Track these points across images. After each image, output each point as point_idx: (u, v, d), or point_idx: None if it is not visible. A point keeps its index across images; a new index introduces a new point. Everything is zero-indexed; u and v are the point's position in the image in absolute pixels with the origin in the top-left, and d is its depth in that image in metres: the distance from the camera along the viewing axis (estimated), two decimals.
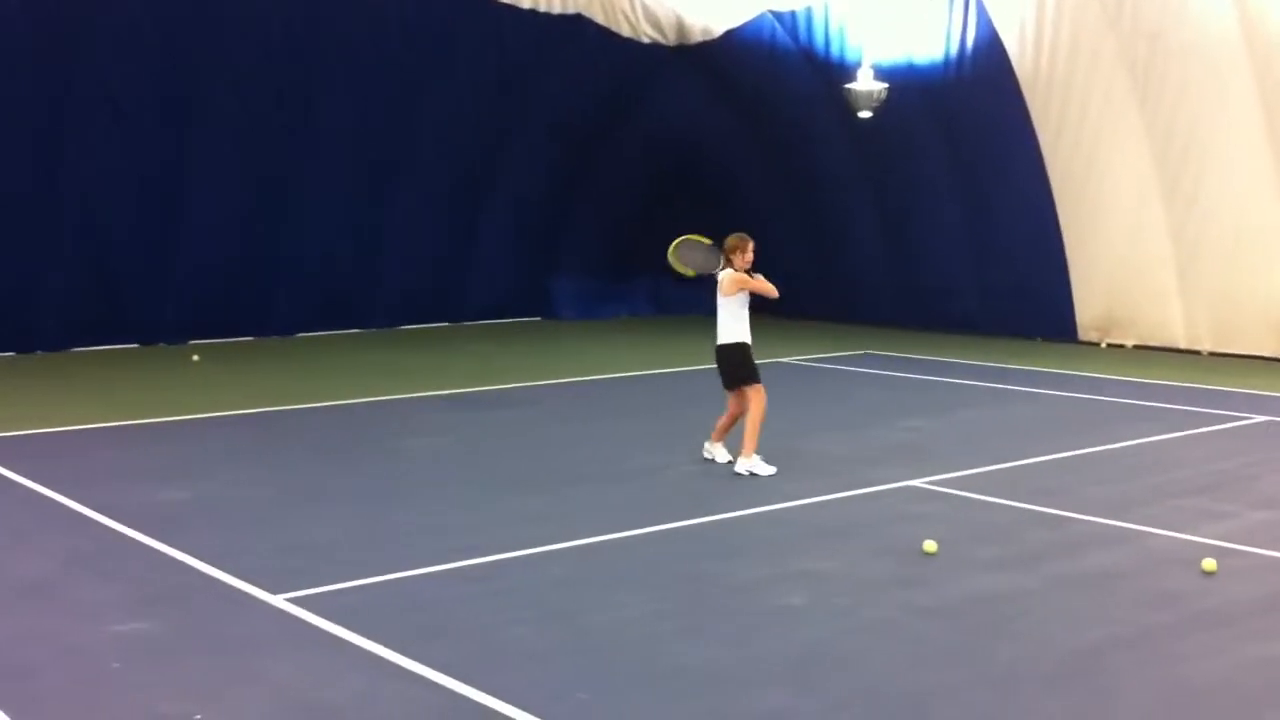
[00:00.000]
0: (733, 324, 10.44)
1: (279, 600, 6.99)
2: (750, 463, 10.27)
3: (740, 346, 10.45)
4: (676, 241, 10.85)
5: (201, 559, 7.77)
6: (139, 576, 7.52)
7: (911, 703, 5.73)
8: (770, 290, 10.40)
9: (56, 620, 6.74)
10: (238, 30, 17.95)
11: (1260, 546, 8.23)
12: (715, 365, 10.70)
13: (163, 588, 7.29)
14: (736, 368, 10.51)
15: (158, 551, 7.99)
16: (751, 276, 10.38)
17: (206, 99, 18.14)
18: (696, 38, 21.74)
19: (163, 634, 6.53)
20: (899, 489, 9.89)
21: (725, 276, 10.38)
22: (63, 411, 13.11)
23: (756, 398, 10.40)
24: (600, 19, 21.07)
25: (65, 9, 16.55)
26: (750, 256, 10.40)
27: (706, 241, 10.79)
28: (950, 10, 18.88)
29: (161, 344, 18.69)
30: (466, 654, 6.23)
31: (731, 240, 10.42)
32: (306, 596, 7.05)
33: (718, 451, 10.71)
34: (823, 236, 22.58)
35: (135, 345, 18.55)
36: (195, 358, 17.32)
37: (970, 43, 18.85)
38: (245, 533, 8.49)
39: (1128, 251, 18.56)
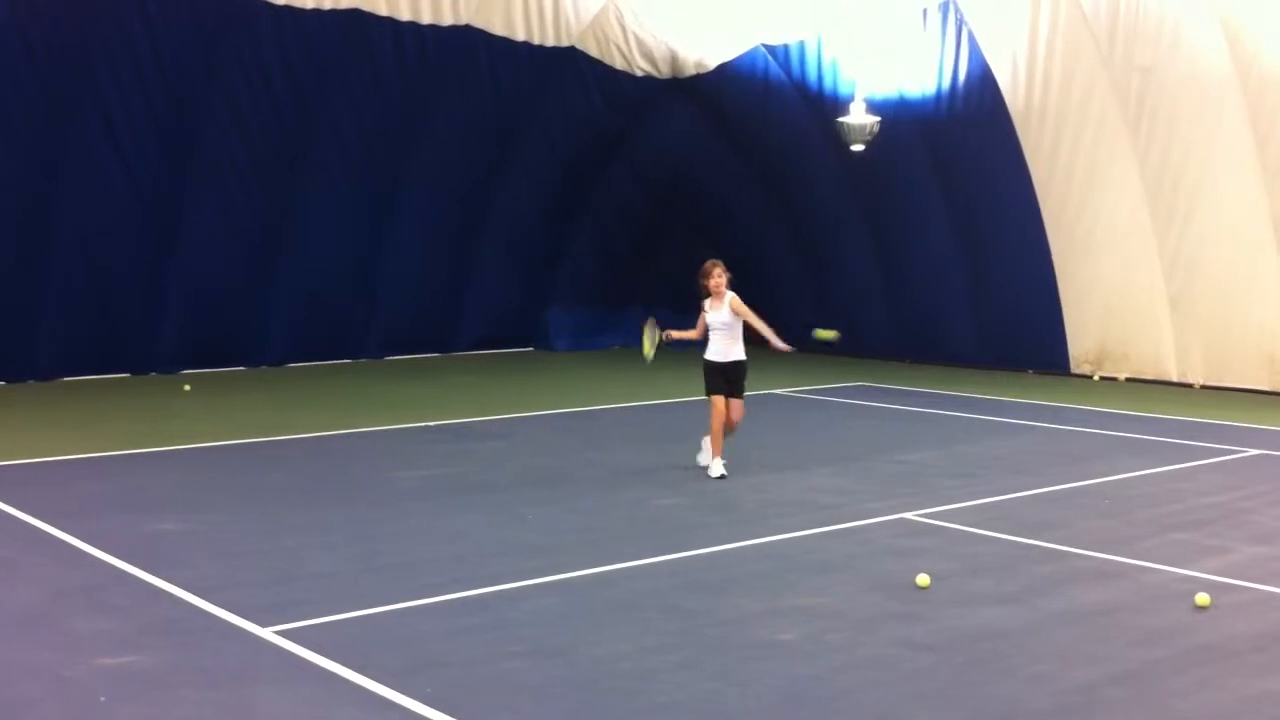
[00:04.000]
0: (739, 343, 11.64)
1: (269, 633, 6.95)
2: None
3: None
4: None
5: (192, 591, 7.72)
6: (129, 609, 7.47)
7: None
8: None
9: (47, 653, 6.68)
10: (236, 65, 18.00)
11: (1254, 581, 8.22)
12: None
13: (153, 620, 7.24)
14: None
15: (148, 583, 7.94)
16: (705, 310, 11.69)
17: (204, 131, 18.18)
18: (690, 71, 21.82)
19: (153, 667, 6.48)
20: (892, 522, 9.87)
21: (733, 302, 11.46)
22: (53, 442, 13.05)
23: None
24: (594, 52, 21.16)
25: (65, 40, 16.60)
26: (708, 281, 11.51)
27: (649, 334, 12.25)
28: (942, 44, 18.98)
29: (153, 374, 18.66)
30: (460, 688, 6.19)
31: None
32: (298, 629, 7.01)
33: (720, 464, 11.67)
34: (817, 268, 22.64)
35: (127, 375, 18.52)
36: (186, 388, 17.29)
37: (962, 77, 18.94)
38: (236, 565, 8.44)
39: (1120, 285, 18.61)
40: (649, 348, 12.25)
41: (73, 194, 17.52)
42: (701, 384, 11.72)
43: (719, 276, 11.48)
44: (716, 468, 11.51)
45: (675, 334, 12.01)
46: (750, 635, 7.06)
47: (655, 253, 23.87)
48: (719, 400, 11.52)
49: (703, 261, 11.73)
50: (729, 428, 11.66)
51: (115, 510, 10.06)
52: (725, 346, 11.54)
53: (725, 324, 11.50)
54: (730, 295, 11.49)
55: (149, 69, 17.38)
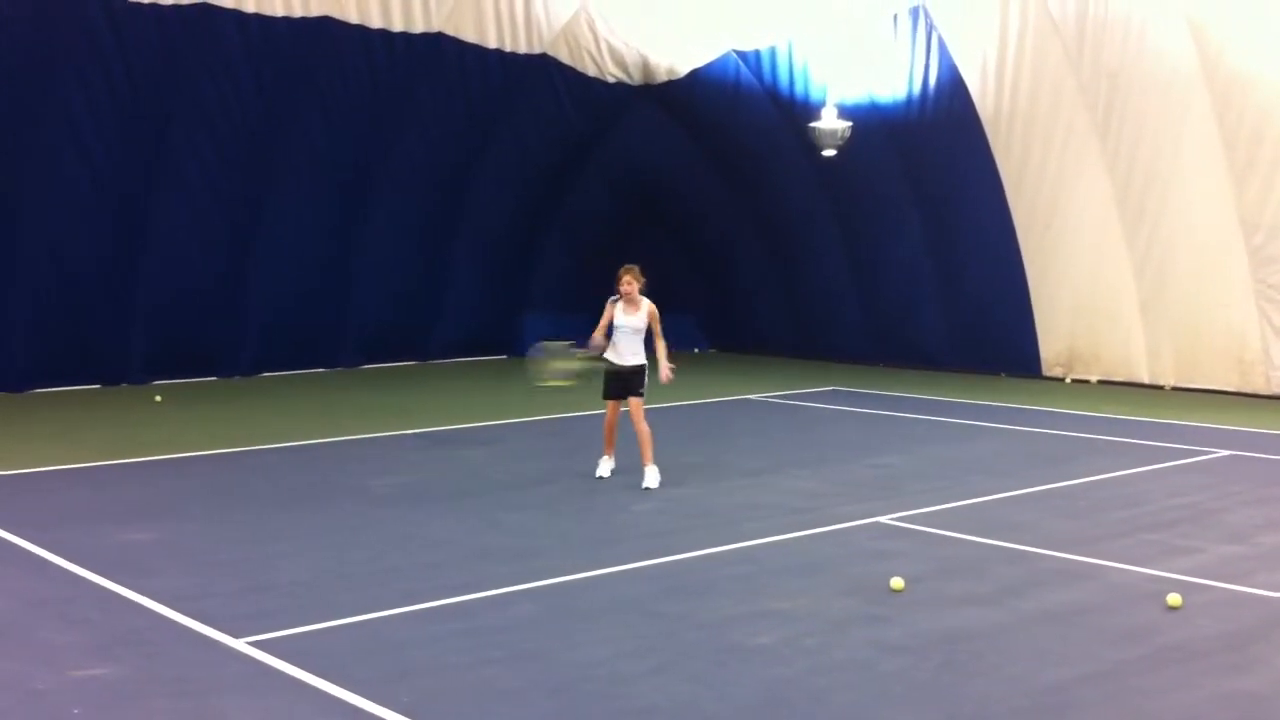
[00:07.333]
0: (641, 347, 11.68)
1: (242, 644, 6.91)
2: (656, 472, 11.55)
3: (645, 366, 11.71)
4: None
5: (164, 602, 7.68)
6: (100, 620, 7.43)
7: None
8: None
9: (18, 665, 6.64)
10: (207, 71, 17.89)
11: (1225, 581, 8.27)
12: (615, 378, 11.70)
13: (124, 631, 7.20)
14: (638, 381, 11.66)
15: (119, 595, 7.89)
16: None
17: (174, 139, 18.06)
18: (662, 77, 21.84)
19: (124, 679, 6.44)
20: (866, 525, 9.89)
21: (650, 310, 11.60)
22: (23, 453, 12.96)
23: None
24: (565, 58, 21.15)
25: (32, 48, 16.46)
26: (620, 285, 11.65)
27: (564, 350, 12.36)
28: (913, 49, 19.06)
29: (125, 385, 18.53)
30: (435, 696, 6.17)
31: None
32: (270, 640, 6.97)
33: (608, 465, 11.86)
34: (789, 273, 22.67)
35: (98, 386, 18.39)
36: (158, 398, 17.19)
37: (933, 82, 19.02)
38: (208, 575, 8.40)
39: (1090, 287, 18.72)
40: (556, 380, 12.29)
41: (41, 204, 17.37)
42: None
43: (630, 283, 11.61)
44: (604, 466, 11.78)
45: (588, 349, 11.93)
46: (727, 639, 7.07)
47: (629, 258, 23.76)
48: (612, 406, 11.70)
49: (625, 268, 11.81)
50: (638, 434, 11.57)
51: (87, 521, 9.99)
52: (628, 350, 11.60)
53: (636, 329, 11.61)
54: (647, 302, 11.64)
55: (118, 77, 17.23)
